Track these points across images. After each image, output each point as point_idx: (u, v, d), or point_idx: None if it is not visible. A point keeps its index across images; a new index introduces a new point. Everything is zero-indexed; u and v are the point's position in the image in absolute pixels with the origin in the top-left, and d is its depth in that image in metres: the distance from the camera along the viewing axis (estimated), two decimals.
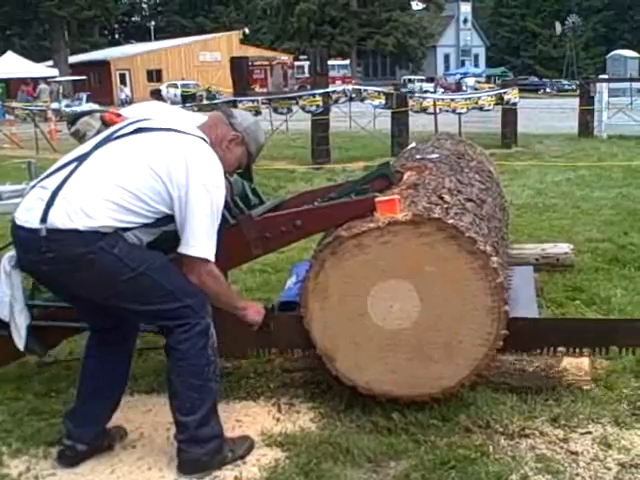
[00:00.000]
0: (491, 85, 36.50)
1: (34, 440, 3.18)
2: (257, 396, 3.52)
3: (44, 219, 2.63)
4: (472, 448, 2.98)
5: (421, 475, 2.81)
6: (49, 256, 2.65)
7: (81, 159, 2.77)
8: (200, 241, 2.74)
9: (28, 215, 2.69)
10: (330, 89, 13.76)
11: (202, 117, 3.07)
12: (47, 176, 2.78)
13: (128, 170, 2.71)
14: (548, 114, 23.08)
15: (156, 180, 2.71)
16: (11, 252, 2.86)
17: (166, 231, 2.90)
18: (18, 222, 2.72)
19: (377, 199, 3.13)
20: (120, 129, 2.88)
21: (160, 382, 3.58)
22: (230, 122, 2.99)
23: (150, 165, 2.71)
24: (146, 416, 3.39)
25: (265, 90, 33.92)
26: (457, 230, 3.00)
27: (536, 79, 53.95)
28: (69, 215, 2.62)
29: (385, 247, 3.05)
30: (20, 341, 2.96)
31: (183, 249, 2.76)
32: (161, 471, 2.93)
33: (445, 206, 3.20)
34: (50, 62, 45.03)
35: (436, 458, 2.91)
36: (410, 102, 14.44)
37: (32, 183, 2.90)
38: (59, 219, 2.62)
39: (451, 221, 3.02)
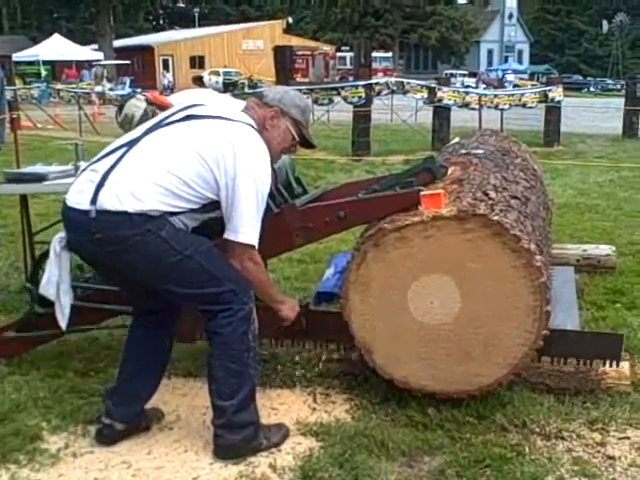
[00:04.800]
0: (534, 82, 36.17)
1: (73, 417, 3.23)
2: (293, 385, 3.54)
3: (94, 201, 2.67)
4: (508, 447, 2.96)
5: (456, 472, 2.81)
6: (98, 237, 2.69)
7: (131, 144, 2.81)
8: (246, 228, 2.77)
9: (79, 197, 2.73)
10: (373, 81, 13.72)
11: (242, 103, 3.10)
12: (98, 160, 2.83)
13: (177, 156, 2.74)
14: (592, 113, 22.73)
15: (204, 167, 2.73)
16: (61, 233, 2.90)
17: (210, 217, 2.92)
18: (69, 203, 2.77)
19: (422, 193, 3.11)
20: (170, 115, 2.92)
21: (197, 366, 3.62)
22: (264, 102, 3.02)
23: (199, 152, 2.74)
24: (183, 399, 3.43)
25: (307, 80, 33.88)
26: (502, 227, 2.97)
27: (580, 78, 53.28)
28: (119, 197, 2.66)
29: (428, 241, 3.03)
30: (63, 320, 3.01)
31: (229, 235, 2.80)
32: (197, 454, 2.96)
33: (490, 203, 3.17)
34: (95, 45, 45.45)
35: (471, 455, 2.90)
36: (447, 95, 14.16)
37: (83, 166, 2.94)
38: (109, 201, 2.66)
39: (496, 218, 3.00)
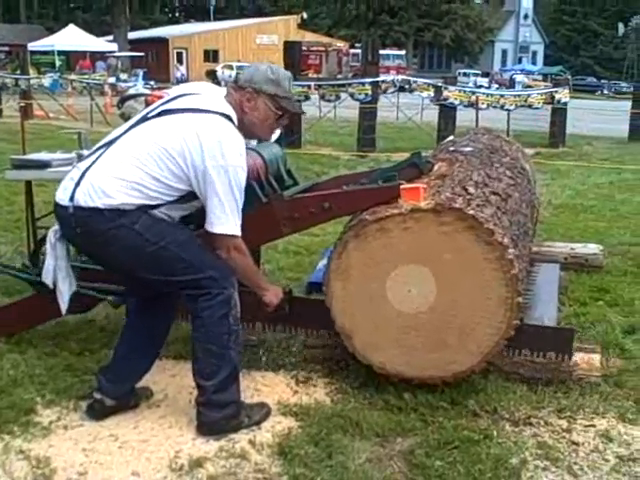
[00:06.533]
0: (547, 83, 36.09)
1: (66, 393, 3.39)
2: (278, 368, 3.69)
3: (72, 198, 2.87)
4: (477, 431, 3.09)
5: (425, 452, 2.94)
6: (78, 231, 2.90)
7: (110, 143, 2.98)
8: (223, 219, 2.89)
9: (62, 194, 2.94)
10: (379, 79, 13.84)
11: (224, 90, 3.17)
12: (85, 158, 3.02)
13: (145, 152, 2.86)
14: (602, 116, 22.71)
15: (172, 162, 2.85)
16: (56, 226, 3.08)
17: (197, 207, 3.06)
18: (56, 199, 2.97)
19: (402, 186, 3.25)
20: (150, 112, 3.04)
21: (188, 349, 3.75)
22: (237, 85, 3.07)
23: (166, 147, 2.85)
24: (172, 379, 3.58)
25: (317, 76, 33.90)
26: (476, 221, 3.11)
27: (594, 80, 53.16)
28: (90, 194, 2.84)
29: (406, 233, 3.17)
30: (63, 305, 3.19)
31: (208, 227, 2.92)
32: (181, 430, 3.11)
33: (468, 197, 3.30)
34: (110, 37, 45.65)
35: (441, 438, 3.03)
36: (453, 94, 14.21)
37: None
38: (82, 198, 2.85)
39: (471, 212, 3.13)
